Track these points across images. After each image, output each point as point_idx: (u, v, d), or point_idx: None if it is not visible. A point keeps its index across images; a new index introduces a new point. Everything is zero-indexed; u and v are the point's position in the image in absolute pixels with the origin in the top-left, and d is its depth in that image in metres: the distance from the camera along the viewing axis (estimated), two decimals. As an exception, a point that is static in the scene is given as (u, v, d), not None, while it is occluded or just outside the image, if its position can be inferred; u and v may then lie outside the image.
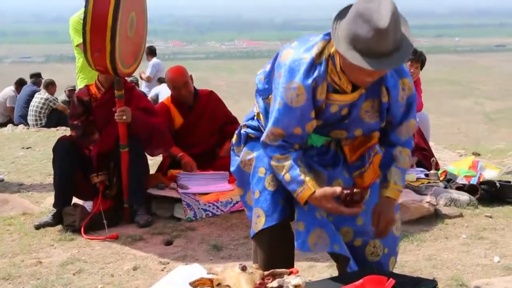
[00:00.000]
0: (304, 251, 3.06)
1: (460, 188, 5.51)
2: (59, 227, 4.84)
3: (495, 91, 33.80)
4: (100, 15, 4.44)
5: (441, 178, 5.79)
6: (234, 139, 3.35)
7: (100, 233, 4.70)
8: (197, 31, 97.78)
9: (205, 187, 5.31)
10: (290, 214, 3.08)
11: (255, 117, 3.25)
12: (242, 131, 3.28)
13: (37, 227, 4.84)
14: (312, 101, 2.86)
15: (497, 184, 5.44)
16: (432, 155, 6.25)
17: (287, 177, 2.92)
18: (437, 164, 6.08)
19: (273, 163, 2.97)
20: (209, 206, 5.11)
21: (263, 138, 3.00)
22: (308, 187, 2.88)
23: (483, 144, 11.60)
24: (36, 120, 11.68)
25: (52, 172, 5.08)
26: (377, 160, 3.11)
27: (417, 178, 5.68)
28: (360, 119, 2.99)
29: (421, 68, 6.57)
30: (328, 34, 2.86)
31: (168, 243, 4.57)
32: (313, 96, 2.86)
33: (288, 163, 2.92)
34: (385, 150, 3.12)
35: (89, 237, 4.64)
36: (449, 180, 5.72)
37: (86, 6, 4.49)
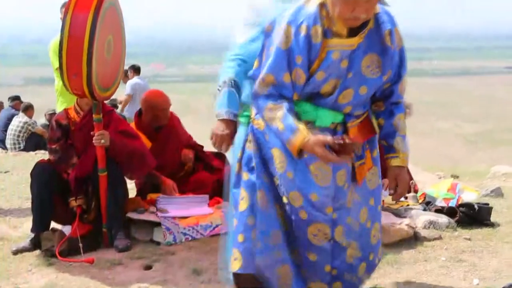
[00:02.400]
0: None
1: (439, 210, 5.53)
2: (37, 252, 4.79)
3: (474, 114, 34.10)
4: (76, 39, 4.43)
5: (420, 201, 5.81)
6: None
7: (78, 258, 4.66)
8: (177, 54, 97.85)
9: (185, 210, 5.29)
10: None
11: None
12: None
13: (15, 253, 4.79)
14: (307, 46, 2.93)
15: (476, 206, 5.46)
16: (411, 178, 6.27)
17: (281, 126, 2.95)
18: (415, 186, 6.11)
19: (266, 114, 3.00)
20: (189, 229, 5.09)
21: (254, 87, 3.05)
22: (301, 133, 2.91)
23: (462, 166, 11.66)
24: (14, 143, 11.60)
25: (30, 196, 5.04)
26: (370, 156, 3.22)
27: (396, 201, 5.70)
28: (363, 75, 3.06)
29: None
30: None
31: (148, 267, 4.54)
32: (308, 41, 2.93)
33: (281, 112, 2.95)
34: (384, 122, 3.21)
35: (65, 259, 4.59)
36: (428, 203, 5.75)
37: (62, 30, 4.48)
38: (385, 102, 3.20)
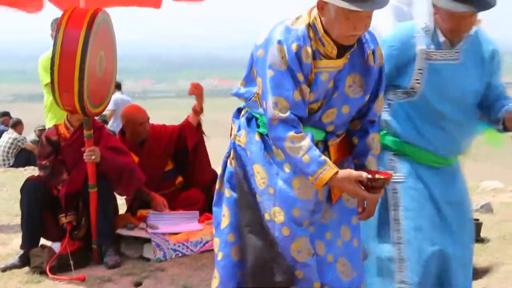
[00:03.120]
0: None
1: (429, 226, 5.54)
2: (26, 269, 4.76)
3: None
4: (68, 55, 4.44)
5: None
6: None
7: (68, 275, 4.63)
8: (167, 69, 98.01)
9: (175, 226, 5.28)
10: None
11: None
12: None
13: (4, 270, 4.76)
14: (299, 64, 2.90)
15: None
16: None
17: (306, 158, 2.86)
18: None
19: (287, 144, 2.89)
20: (179, 246, 5.08)
21: (269, 117, 2.94)
22: (330, 167, 2.85)
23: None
24: (4, 160, 11.54)
25: (20, 213, 5.02)
26: None
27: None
28: (346, 94, 3.04)
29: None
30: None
31: (138, 284, 4.52)
32: (299, 60, 2.90)
33: (306, 143, 2.87)
34: (359, 141, 3.17)
35: (55, 277, 4.57)
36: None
37: (54, 46, 4.48)
38: (361, 120, 3.19)
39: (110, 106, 12.02)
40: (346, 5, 2.77)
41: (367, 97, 3.10)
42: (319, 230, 3.10)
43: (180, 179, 5.76)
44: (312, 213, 3.05)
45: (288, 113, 2.90)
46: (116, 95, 12.21)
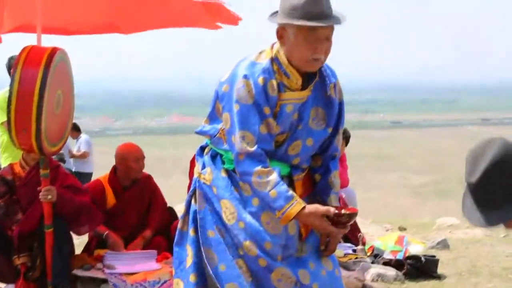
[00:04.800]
0: None
1: (387, 263, 5.59)
2: (-21, 311, 4.65)
3: (420, 165, 34.71)
4: (26, 94, 4.39)
5: (368, 254, 5.86)
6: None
7: (22, 317, 4.54)
8: (126, 106, 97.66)
9: (132, 266, 5.21)
10: None
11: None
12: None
13: (-45, 313, 4.64)
14: (266, 98, 2.95)
15: (423, 259, 5.54)
16: (359, 230, 6.33)
17: (273, 193, 2.88)
18: (363, 239, 6.16)
19: (254, 179, 2.91)
20: (137, 286, 5.00)
21: (236, 151, 2.96)
22: (298, 202, 2.87)
23: (409, 218, 11.82)
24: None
25: (-28, 253, 4.91)
26: None
27: (344, 254, 5.72)
28: (310, 127, 3.08)
29: (346, 145, 6.73)
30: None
31: (94, 326, 4.45)
32: (265, 93, 2.95)
33: (273, 177, 2.90)
34: (321, 178, 3.20)
35: (9, 321, 4.47)
36: (376, 255, 5.80)
37: (11, 85, 4.45)
38: (322, 156, 3.23)
39: (84, 147, 12.43)
40: (302, 22, 2.85)
41: (329, 130, 3.15)
42: (301, 261, 3.10)
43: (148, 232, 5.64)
44: (284, 248, 3.05)
45: (255, 147, 2.93)
46: (85, 136, 12.58)
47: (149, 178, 5.74)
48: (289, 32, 2.94)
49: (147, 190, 5.66)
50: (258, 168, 2.90)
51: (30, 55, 4.52)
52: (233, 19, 5.46)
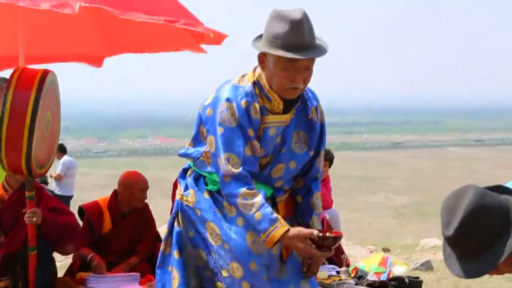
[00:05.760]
0: None
1: (371, 284, 5.58)
2: (-40, 336, 4.60)
3: (403, 186, 34.83)
4: (18, 115, 4.38)
5: (352, 275, 5.85)
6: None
7: None
8: (109, 128, 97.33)
9: (115, 289, 5.18)
10: None
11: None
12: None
13: None
14: (249, 120, 2.96)
15: (406, 280, 5.54)
16: (343, 252, 6.34)
17: (258, 215, 2.88)
18: (347, 260, 6.16)
19: (239, 201, 2.92)
20: (120, 309, 4.98)
21: (222, 173, 2.97)
22: (282, 224, 2.88)
23: (393, 239, 11.85)
24: None
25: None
26: None
27: (328, 276, 5.73)
28: (292, 150, 3.11)
29: (330, 166, 6.74)
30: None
31: None
32: (248, 116, 2.97)
33: (259, 199, 2.90)
34: (303, 199, 3.22)
35: None
36: (360, 277, 5.79)
37: (3, 105, 4.43)
38: (304, 177, 3.25)
39: (59, 170, 12.22)
40: (281, 53, 2.86)
41: (311, 153, 3.18)
42: (282, 283, 3.10)
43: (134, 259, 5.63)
44: (267, 268, 3.06)
45: (240, 169, 2.94)
46: (64, 158, 12.36)
47: (146, 206, 5.73)
48: (270, 59, 2.95)
49: (144, 219, 5.65)
50: (244, 189, 2.91)
51: (22, 77, 4.51)
52: (217, 38, 5.47)
